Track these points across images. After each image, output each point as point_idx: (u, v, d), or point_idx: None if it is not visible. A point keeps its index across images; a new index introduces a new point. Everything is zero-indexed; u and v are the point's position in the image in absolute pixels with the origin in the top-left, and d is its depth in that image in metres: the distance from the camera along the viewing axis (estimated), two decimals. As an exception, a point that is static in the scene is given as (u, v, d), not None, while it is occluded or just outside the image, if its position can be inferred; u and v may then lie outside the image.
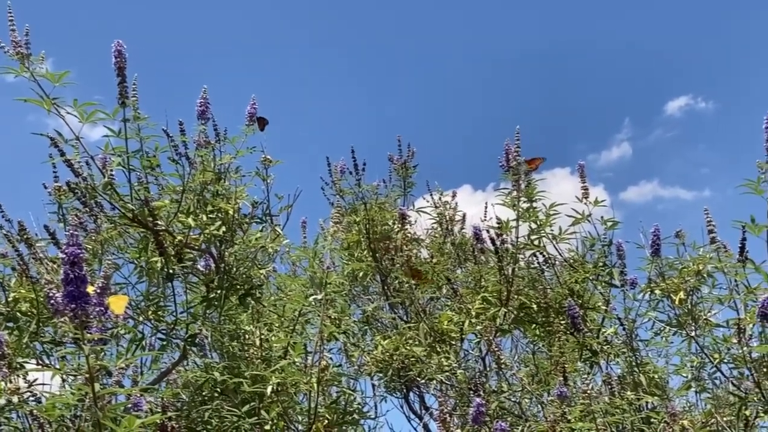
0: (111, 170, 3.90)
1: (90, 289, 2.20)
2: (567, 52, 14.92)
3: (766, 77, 13.51)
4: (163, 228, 3.94)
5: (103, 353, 2.48)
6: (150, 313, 4.03)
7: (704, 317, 4.34)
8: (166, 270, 3.99)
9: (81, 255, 2.16)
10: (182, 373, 4.17)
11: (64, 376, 3.04)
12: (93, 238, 4.04)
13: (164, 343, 4.07)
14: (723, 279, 4.17)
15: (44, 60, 3.58)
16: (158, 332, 4.07)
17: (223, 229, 4.03)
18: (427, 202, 6.46)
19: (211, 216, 4.04)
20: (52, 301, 2.52)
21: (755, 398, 3.90)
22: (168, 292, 4.07)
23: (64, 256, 2.15)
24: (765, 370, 3.80)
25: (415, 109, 14.68)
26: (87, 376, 2.25)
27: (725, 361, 4.18)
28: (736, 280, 4.05)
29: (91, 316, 2.22)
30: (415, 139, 6.79)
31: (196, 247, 4.09)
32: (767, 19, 14.01)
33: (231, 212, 4.06)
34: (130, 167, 3.84)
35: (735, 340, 4.00)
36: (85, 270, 2.18)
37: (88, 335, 2.20)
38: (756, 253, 3.85)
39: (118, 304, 2.69)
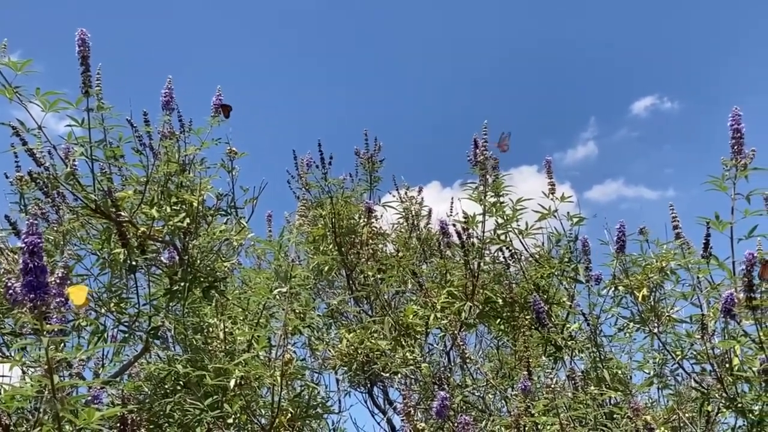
0: (74, 160, 3.85)
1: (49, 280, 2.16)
2: (535, 52, 14.99)
3: (730, 78, 13.64)
4: (126, 219, 3.89)
5: (63, 345, 2.44)
6: (112, 305, 3.98)
7: (667, 314, 4.37)
8: (128, 262, 3.94)
9: (40, 245, 2.12)
10: (145, 366, 4.13)
11: (26, 368, 2.99)
12: (55, 228, 3.99)
13: (126, 335, 4.02)
14: (686, 275, 4.19)
15: (6, 48, 3.52)
16: (120, 324, 4.03)
17: (187, 221, 3.99)
18: (394, 197, 6.46)
19: (175, 208, 4.00)
20: (10, 292, 2.49)
21: (717, 394, 3.92)
22: (131, 284, 4.02)
23: (24, 245, 2.11)
24: (727, 365, 3.82)
25: (385, 106, 14.70)
26: (46, 367, 2.21)
27: (687, 357, 4.20)
28: (698, 277, 4.08)
29: (51, 307, 2.18)
30: (385, 135, 6.81)
31: (160, 239, 4.05)
32: (732, 22, 14.14)
33: (195, 204, 4.03)
34: (93, 157, 3.79)
35: (698, 336, 4.02)
36: (45, 260, 2.14)
37: (48, 326, 2.17)
38: (719, 249, 3.88)
39: (78, 294, 2.65)
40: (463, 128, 4.80)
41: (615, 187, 14.50)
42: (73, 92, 3.68)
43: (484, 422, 4.47)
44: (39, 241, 2.12)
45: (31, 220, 2.12)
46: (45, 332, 2.16)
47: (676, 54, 14.96)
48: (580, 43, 15.33)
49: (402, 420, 3.73)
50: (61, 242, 3.96)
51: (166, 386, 3.94)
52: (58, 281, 2.37)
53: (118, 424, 2.56)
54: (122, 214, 3.89)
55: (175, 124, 4.11)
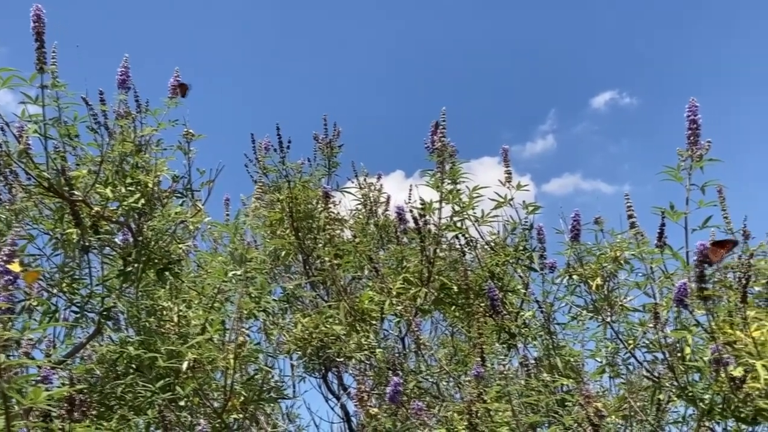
0: (27, 138, 3.79)
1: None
2: (497, 44, 15.04)
3: (686, 76, 13.78)
4: (80, 199, 3.85)
5: (11, 323, 2.41)
6: (64, 285, 3.94)
7: (620, 303, 4.40)
8: (82, 242, 3.91)
9: (-13, 220, 2.10)
10: (97, 348, 4.09)
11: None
12: (7, 207, 3.94)
13: (78, 316, 3.98)
14: (640, 265, 4.22)
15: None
16: (72, 305, 3.99)
17: (142, 201, 3.95)
18: (354, 183, 6.46)
19: (129, 188, 3.96)
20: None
21: (668, 383, 3.96)
22: (83, 264, 3.98)
23: (-30, 221, 2.08)
24: (679, 355, 3.86)
25: (349, 95, 14.65)
26: (-8, 345, 2.19)
27: (639, 346, 4.24)
28: (652, 267, 4.11)
29: (-2, 285, 2.15)
30: (348, 123, 6.77)
31: (114, 220, 4.01)
32: (690, 19, 14.28)
33: (151, 185, 3.99)
34: (47, 135, 3.75)
35: (651, 325, 4.06)
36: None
37: (-6, 304, 2.14)
38: (674, 240, 3.92)
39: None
40: (427, 119, 4.78)
41: (573, 181, 14.58)
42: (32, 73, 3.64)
43: (437, 408, 4.49)
44: (-15, 216, 2.09)
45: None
46: (-10, 310, 2.13)
47: (636, 49, 15.08)
48: (542, 37, 15.41)
49: (356, 405, 3.74)
50: (13, 221, 3.91)
51: (118, 368, 3.91)
52: (4, 258, 2.33)
53: (65, 405, 2.54)
54: (76, 193, 3.85)
55: (132, 104, 4.06)
